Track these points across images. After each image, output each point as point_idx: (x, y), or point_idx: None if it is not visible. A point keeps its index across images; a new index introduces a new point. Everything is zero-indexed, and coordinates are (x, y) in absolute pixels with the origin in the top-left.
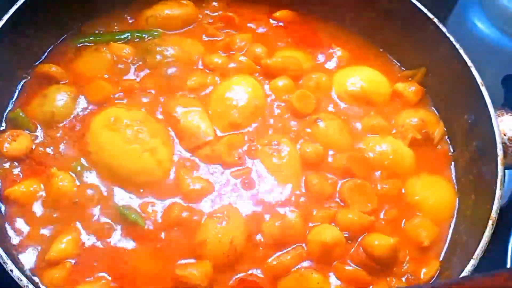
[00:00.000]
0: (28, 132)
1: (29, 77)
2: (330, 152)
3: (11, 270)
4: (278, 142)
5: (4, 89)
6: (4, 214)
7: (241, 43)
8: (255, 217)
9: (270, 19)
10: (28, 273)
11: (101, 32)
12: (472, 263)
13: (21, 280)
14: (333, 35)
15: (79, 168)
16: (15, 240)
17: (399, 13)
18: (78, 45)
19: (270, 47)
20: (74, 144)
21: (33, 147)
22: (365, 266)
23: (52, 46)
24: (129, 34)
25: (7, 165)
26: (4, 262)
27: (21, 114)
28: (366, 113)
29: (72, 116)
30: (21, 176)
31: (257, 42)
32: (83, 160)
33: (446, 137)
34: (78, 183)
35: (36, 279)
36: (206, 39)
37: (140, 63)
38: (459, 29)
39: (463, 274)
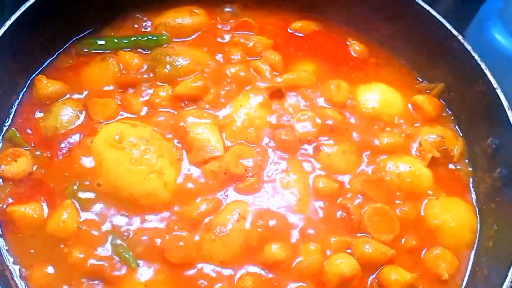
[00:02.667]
0: (27, 149)
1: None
2: (341, 177)
3: None
4: (287, 168)
5: (4, 98)
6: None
7: (259, 46)
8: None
9: (289, 29)
10: None
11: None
12: None
13: None
14: (363, 50)
15: (75, 189)
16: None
17: (423, 27)
18: (83, 53)
19: (286, 56)
20: (76, 162)
21: (36, 170)
22: None
23: (56, 54)
24: (136, 37)
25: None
26: None
27: (17, 135)
28: (382, 130)
29: (75, 131)
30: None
31: (274, 50)
32: (84, 181)
33: (466, 160)
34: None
35: None
36: (220, 41)
37: (151, 75)
38: (478, 42)
39: None
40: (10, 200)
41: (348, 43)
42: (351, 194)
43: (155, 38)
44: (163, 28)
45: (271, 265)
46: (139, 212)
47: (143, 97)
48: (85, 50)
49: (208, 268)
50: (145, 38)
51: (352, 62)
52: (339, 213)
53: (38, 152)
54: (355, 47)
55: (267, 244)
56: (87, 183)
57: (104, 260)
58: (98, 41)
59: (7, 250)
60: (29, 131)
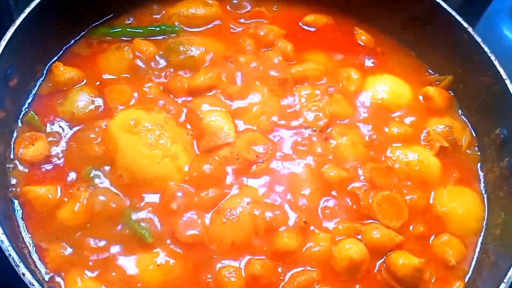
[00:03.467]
0: (44, 133)
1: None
2: (350, 166)
3: (23, 274)
4: (297, 156)
5: (23, 84)
6: (18, 214)
7: (270, 35)
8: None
9: (301, 24)
10: (39, 277)
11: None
12: (502, 286)
13: (32, 285)
14: (369, 40)
15: (92, 174)
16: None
17: (433, 20)
18: (99, 40)
19: (297, 47)
20: (92, 147)
21: (53, 153)
22: (388, 285)
23: (72, 40)
24: (150, 28)
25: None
26: (16, 265)
27: (36, 118)
28: (391, 120)
29: (91, 117)
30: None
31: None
32: (100, 164)
33: (476, 149)
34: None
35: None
36: (233, 32)
37: (164, 63)
38: (487, 37)
39: None
40: (27, 182)
41: (355, 32)
42: (360, 182)
43: (169, 29)
44: (176, 18)
45: (281, 253)
46: (152, 194)
47: (157, 84)
48: (101, 38)
49: (217, 251)
50: (159, 29)
51: (361, 53)
52: (348, 201)
53: (55, 136)
54: (362, 37)
55: (277, 230)
56: (103, 166)
57: (119, 238)
58: (112, 30)
59: (25, 227)
60: (46, 115)
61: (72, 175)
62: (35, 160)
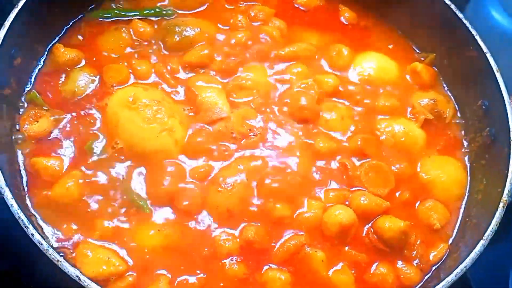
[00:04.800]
0: (47, 111)
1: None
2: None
3: (32, 234)
4: (289, 129)
5: (26, 64)
6: (24, 182)
7: (261, 14)
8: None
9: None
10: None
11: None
12: (482, 243)
13: (41, 244)
14: (353, 17)
15: (93, 145)
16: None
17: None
18: (97, 22)
19: (288, 25)
20: (92, 123)
21: (56, 129)
22: (375, 248)
23: (71, 22)
24: (145, 10)
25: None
26: (25, 227)
27: (37, 96)
28: (378, 95)
29: (91, 95)
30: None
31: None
32: (100, 139)
33: (457, 121)
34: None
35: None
36: (226, 12)
37: (161, 43)
38: (476, 20)
39: (472, 255)
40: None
41: (339, 9)
42: (349, 153)
43: (163, 12)
44: (171, 1)
45: (274, 220)
46: (150, 165)
47: (154, 63)
48: (99, 20)
49: (213, 217)
50: (153, 11)
51: (348, 31)
52: (337, 170)
53: (57, 114)
54: (345, 14)
55: (270, 198)
56: (104, 140)
57: (121, 209)
58: (109, 13)
59: (32, 200)
60: (49, 94)
61: (75, 150)
62: (40, 135)
